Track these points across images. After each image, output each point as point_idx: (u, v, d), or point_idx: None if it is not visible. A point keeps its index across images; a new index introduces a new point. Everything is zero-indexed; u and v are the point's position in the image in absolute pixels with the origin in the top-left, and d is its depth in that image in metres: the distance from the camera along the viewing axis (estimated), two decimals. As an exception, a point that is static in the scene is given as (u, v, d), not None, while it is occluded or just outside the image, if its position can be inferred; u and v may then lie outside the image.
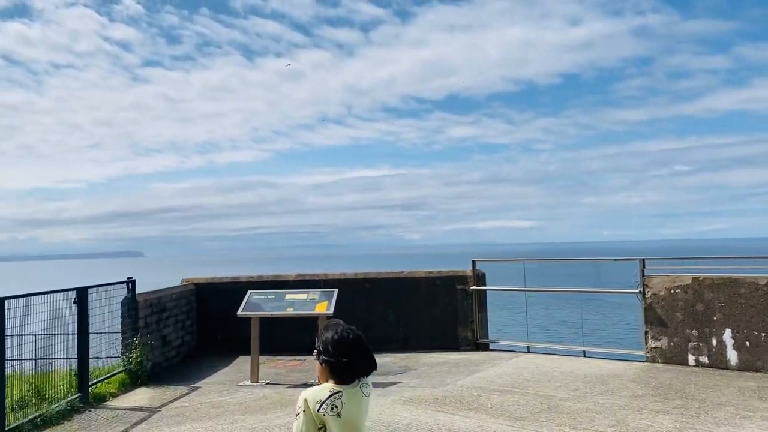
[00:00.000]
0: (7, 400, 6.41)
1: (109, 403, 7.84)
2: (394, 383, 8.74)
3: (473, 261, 11.62)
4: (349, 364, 3.00)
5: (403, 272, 11.95)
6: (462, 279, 11.57)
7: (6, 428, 6.18)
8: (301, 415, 2.90)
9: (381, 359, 9.84)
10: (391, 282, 11.77)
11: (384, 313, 11.65)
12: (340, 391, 2.95)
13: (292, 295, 9.03)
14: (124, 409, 7.53)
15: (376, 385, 8.54)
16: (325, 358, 2.98)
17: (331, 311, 8.94)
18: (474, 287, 11.42)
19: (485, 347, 11.36)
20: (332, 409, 2.92)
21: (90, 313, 8.22)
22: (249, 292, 9.55)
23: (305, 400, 2.92)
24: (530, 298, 12.54)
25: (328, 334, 3.03)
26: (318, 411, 2.90)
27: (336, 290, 9.39)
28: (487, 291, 11.69)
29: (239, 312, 9.17)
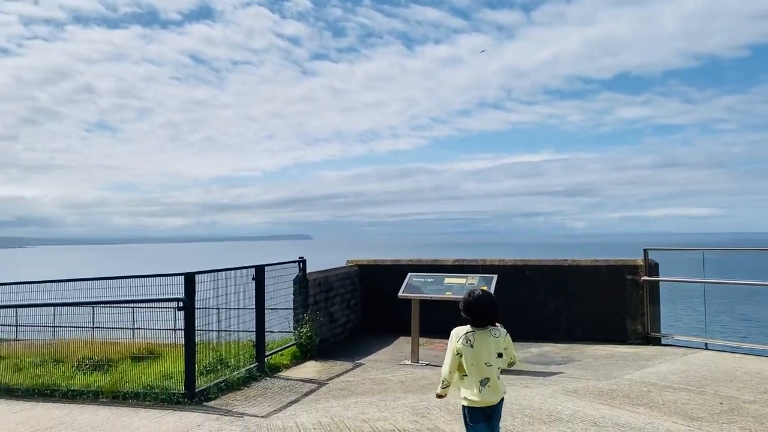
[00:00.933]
0: (197, 366, 7.17)
1: (282, 374, 8.48)
2: (556, 373, 8.49)
3: (645, 250, 10.89)
4: (473, 317, 4.41)
5: (566, 260, 11.53)
6: (632, 268, 10.90)
7: (196, 389, 6.93)
8: (449, 344, 4.43)
9: (542, 348, 9.63)
10: (554, 270, 11.42)
11: (545, 302, 11.33)
12: (473, 331, 4.38)
13: (451, 279, 9.10)
14: (295, 379, 8.10)
15: (536, 374, 8.37)
16: (462, 312, 4.45)
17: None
18: (646, 277, 10.71)
19: (656, 342, 10.64)
20: (466, 342, 4.34)
21: (266, 289, 8.93)
22: (409, 274, 9.78)
23: (452, 335, 4.44)
24: (709, 292, 11.51)
25: (463, 297, 4.51)
26: (457, 343, 4.37)
27: (495, 276, 9.30)
28: (660, 282, 10.92)
29: (400, 293, 9.42)
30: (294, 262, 9.67)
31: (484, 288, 5.96)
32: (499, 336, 4.39)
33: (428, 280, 9.47)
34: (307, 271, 10.11)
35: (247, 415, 6.40)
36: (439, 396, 4.62)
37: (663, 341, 10.66)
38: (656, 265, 10.94)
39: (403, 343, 10.75)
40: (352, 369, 8.77)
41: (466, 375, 4.37)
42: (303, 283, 9.69)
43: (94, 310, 9.09)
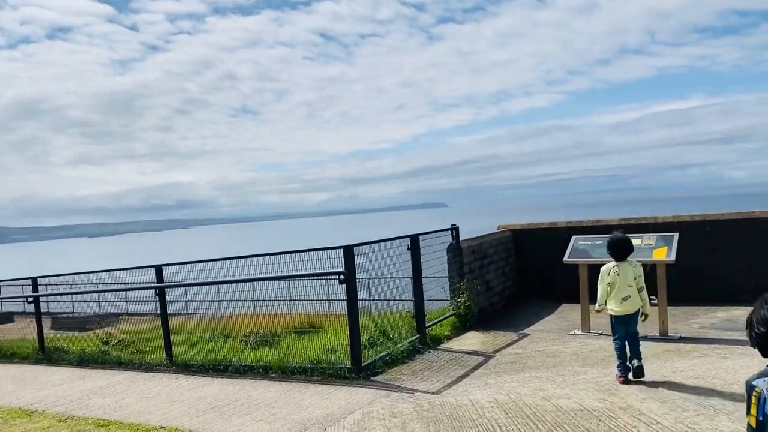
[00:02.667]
0: (361, 339, 7.02)
1: (444, 346, 8.14)
2: (757, 341, 7.40)
3: None
4: (612, 253, 6.30)
5: (754, 212, 10.10)
6: (839, 217, 9.31)
7: (362, 364, 6.76)
8: (602, 279, 6.25)
9: (729, 312, 8.46)
10: (739, 224, 10.04)
11: (730, 260, 10.02)
12: (617, 265, 6.18)
13: (638, 240, 8.20)
14: (460, 352, 7.73)
15: (730, 342, 7.35)
16: (607, 250, 6.39)
17: (673, 258, 7.91)
18: None
19: None
20: (610, 272, 6.19)
21: (421, 259, 8.61)
22: (574, 237, 9.00)
23: (602, 271, 6.29)
24: None
25: (607, 240, 6.50)
26: (609, 274, 6.20)
27: (676, 234, 8.28)
28: None
29: (565, 258, 8.70)
30: (447, 230, 9.26)
31: (672, 263, 7.29)
32: (635, 265, 6.26)
33: (596, 242, 8.64)
34: (460, 238, 9.68)
35: (417, 391, 6.12)
36: (597, 311, 6.51)
37: None
38: None
39: (567, 311, 10.02)
40: (518, 340, 8.24)
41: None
42: (457, 251, 9.26)
43: (253, 286, 9.30)
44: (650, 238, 8.30)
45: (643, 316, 6.21)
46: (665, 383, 5.82)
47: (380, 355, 7.09)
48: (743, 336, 7.80)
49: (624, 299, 6.12)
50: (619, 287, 6.13)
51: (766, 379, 2.49)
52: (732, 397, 5.34)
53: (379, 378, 6.68)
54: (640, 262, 6.52)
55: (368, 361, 6.85)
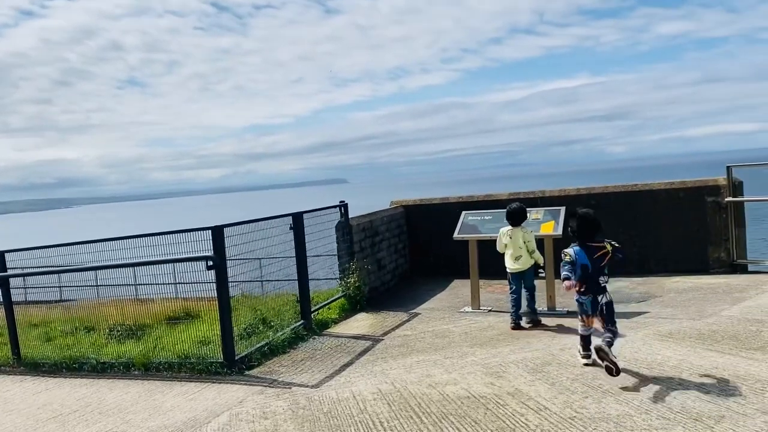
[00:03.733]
0: (235, 329, 6.36)
1: (331, 330, 7.65)
2: (639, 313, 7.45)
3: (728, 167, 9.58)
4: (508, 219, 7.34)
5: (636, 185, 10.30)
6: (713, 189, 9.63)
7: (236, 357, 6.12)
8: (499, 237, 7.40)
9: (614, 284, 8.45)
10: (623, 197, 10.21)
11: (615, 233, 10.11)
12: (511, 229, 7.30)
13: (536, 214, 8.01)
14: (347, 336, 7.26)
15: (618, 314, 7.34)
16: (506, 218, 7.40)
17: (560, 232, 7.80)
18: (730, 198, 9.44)
19: (743, 270, 9.47)
20: (504, 235, 7.34)
21: (306, 238, 8.05)
22: (464, 213, 8.73)
23: (501, 230, 7.44)
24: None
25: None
26: (503, 236, 7.33)
27: (563, 208, 8.18)
28: (746, 203, 9.64)
29: (455, 235, 8.42)
30: (334, 207, 8.72)
31: (560, 237, 7.52)
32: (525, 230, 7.34)
33: (485, 218, 8.42)
34: (350, 215, 9.19)
35: (295, 384, 5.57)
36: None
37: (750, 268, 9.50)
38: (741, 184, 9.65)
39: (458, 287, 9.82)
40: (408, 320, 7.89)
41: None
42: (346, 229, 8.76)
43: (134, 271, 8.35)
44: (538, 213, 8.17)
45: (541, 270, 7.53)
46: (554, 363, 5.62)
47: (257, 345, 6.47)
48: (627, 308, 7.86)
49: (516, 258, 7.24)
50: (512, 248, 7.27)
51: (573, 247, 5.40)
52: (625, 368, 5.20)
53: (254, 372, 6.07)
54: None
55: (243, 354, 6.22)
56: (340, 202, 8.85)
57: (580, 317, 5.54)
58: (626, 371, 5.27)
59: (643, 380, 5.02)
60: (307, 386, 5.50)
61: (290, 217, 7.48)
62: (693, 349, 5.76)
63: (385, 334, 7.25)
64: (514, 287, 7.28)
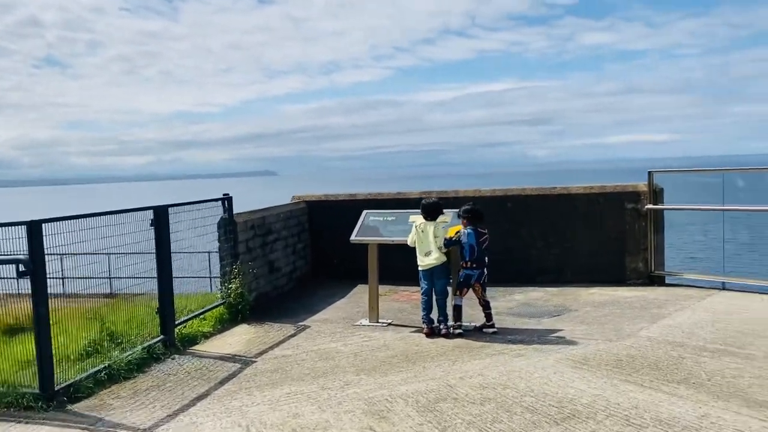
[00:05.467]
0: (66, 350, 5.08)
1: (198, 348, 6.44)
2: (553, 331, 6.67)
3: (650, 173, 9.01)
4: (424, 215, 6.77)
5: (555, 188, 9.61)
6: (633, 195, 9.04)
7: (57, 386, 4.83)
8: (412, 229, 6.82)
9: (528, 295, 7.59)
10: (540, 200, 9.49)
11: (530, 239, 9.47)
12: (424, 222, 6.73)
13: (416, 217, 7.07)
14: (214, 357, 6.09)
15: (528, 333, 6.53)
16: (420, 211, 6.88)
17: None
18: (650, 206, 8.87)
19: (661, 282, 8.93)
20: (417, 227, 6.76)
21: (179, 236, 6.84)
22: (365, 212, 7.73)
23: (413, 224, 6.85)
24: (712, 222, 9.79)
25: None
26: (415, 229, 6.77)
27: (474, 210, 7.31)
28: (666, 211, 9.12)
29: (352, 237, 7.40)
30: (215, 200, 7.52)
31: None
32: (438, 225, 6.73)
33: (388, 218, 7.45)
34: (241, 211, 8.04)
35: (123, 427, 4.37)
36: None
37: (668, 280, 8.98)
38: (662, 191, 9.11)
39: (362, 293, 8.80)
40: (294, 335, 6.81)
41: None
42: (229, 226, 7.57)
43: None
44: (446, 215, 7.25)
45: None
46: (449, 398, 4.69)
47: (91, 371, 5.19)
48: (539, 324, 7.07)
49: (426, 254, 6.64)
50: (422, 243, 6.67)
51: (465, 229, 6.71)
52: (523, 413, 4.32)
53: (80, 406, 4.80)
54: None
55: (68, 382, 4.94)
56: (224, 194, 7.66)
57: (458, 291, 6.70)
58: (534, 410, 4.40)
59: (554, 424, 4.14)
60: (138, 429, 4.32)
61: (151, 211, 6.22)
62: (610, 381, 4.97)
63: (261, 353, 6.13)
64: (424, 287, 6.71)
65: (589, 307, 7.78)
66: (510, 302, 8.26)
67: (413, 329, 6.88)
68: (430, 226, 6.70)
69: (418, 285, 6.89)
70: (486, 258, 6.73)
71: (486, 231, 6.78)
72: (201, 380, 5.36)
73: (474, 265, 6.60)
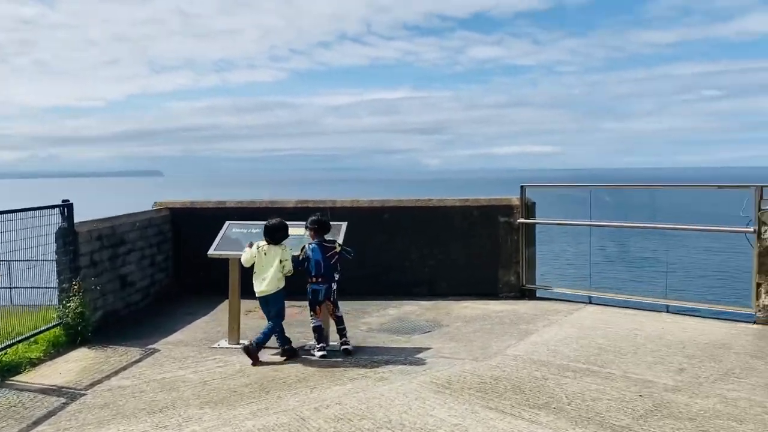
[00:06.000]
0: None
1: (20, 378, 5.57)
2: (420, 350, 6.42)
3: (522, 186, 9.07)
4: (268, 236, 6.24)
5: (431, 200, 9.46)
6: (506, 209, 9.06)
7: None
8: (250, 249, 6.29)
9: (402, 308, 7.24)
10: (417, 212, 9.31)
11: (406, 251, 9.25)
12: (267, 245, 6.23)
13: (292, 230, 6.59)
14: (37, 390, 5.27)
15: (396, 352, 6.23)
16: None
17: (337, 250, 6.53)
18: (522, 220, 8.92)
19: (532, 295, 9.00)
20: (260, 249, 6.23)
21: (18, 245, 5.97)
22: (227, 223, 7.15)
23: (256, 245, 6.28)
24: (583, 235, 10.07)
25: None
26: (255, 252, 6.23)
27: (344, 224, 6.96)
28: (538, 225, 9.22)
29: (210, 251, 6.80)
30: (51, 207, 6.64)
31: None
32: (278, 247, 6.26)
33: (252, 231, 6.91)
34: (84, 219, 7.19)
35: None
36: None
37: (539, 294, 9.07)
38: (533, 205, 9.20)
39: (225, 311, 8.18)
40: (138, 361, 6.10)
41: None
42: (69, 237, 6.72)
43: None
44: (298, 229, 6.81)
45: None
46: (300, 433, 4.25)
47: None
48: (408, 342, 6.80)
49: (263, 280, 6.19)
50: (262, 266, 6.22)
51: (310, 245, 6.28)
52: (376, 452, 3.97)
53: None
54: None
55: None
56: (63, 201, 6.79)
57: (311, 311, 6.33)
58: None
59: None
60: None
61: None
62: (471, 407, 4.74)
63: (94, 384, 5.39)
64: (266, 312, 6.35)
65: (460, 322, 7.63)
66: (383, 317, 7.97)
67: (274, 351, 6.38)
68: (274, 250, 6.22)
69: (288, 299, 6.43)
70: (335, 273, 6.32)
71: (335, 244, 6.37)
72: (12, 420, 4.57)
73: (320, 280, 6.24)
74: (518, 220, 8.96)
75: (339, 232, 6.74)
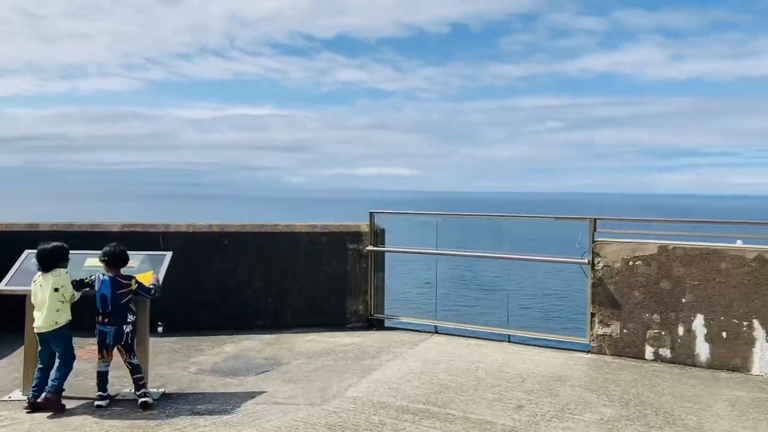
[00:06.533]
0: None
1: None
2: (253, 394, 5.82)
3: (371, 213, 8.81)
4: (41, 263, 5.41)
5: (277, 225, 8.91)
6: (356, 236, 8.74)
7: None
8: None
9: (240, 344, 6.43)
10: (261, 238, 8.71)
11: (249, 280, 8.61)
12: (42, 275, 5.43)
13: (94, 261, 5.74)
14: None
15: (224, 398, 5.56)
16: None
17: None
18: (371, 247, 8.64)
19: (380, 325, 8.74)
20: (35, 283, 5.45)
21: None
22: (26, 252, 6.13)
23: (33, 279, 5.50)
24: (433, 262, 10.02)
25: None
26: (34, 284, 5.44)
27: (169, 254, 6.21)
28: (387, 252, 8.98)
29: (2, 285, 5.77)
30: None
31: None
32: (54, 275, 5.44)
33: (58, 261, 5.95)
34: None
35: None
36: None
37: (387, 323, 8.81)
38: (383, 231, 8.98)
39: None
40: None
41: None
42: None
43: None
44: (136, 258, 6.03)
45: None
46: None
47: None
48: (241, 386, 6.04)
49: (39, 315, 5.43)
50: (38, 300, 5.45)
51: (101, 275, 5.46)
52: None
53: None
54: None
55: None
56: None
57: (99, 354, 5.54)
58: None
59: None
60: None
61: None
62: (298, 465, 4.23)
63: None
64: (42, 357, 5.48)
65: (302, 358, 7.12)
66: (218, 355, 7.26)
67: (82, 402, 5.48)
68: (48, 278, 5.45)
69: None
70: (128, 314, 5.55)
71: (131, 280, 5.59)
72: None
73: (107, 321, 5.47)
74: (367, 248, 8.67)
75: (161, 265, 5.98)
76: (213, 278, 8.53)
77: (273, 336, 8.10)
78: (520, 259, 8.56)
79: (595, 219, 7.49)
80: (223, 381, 6.32)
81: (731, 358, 6.72)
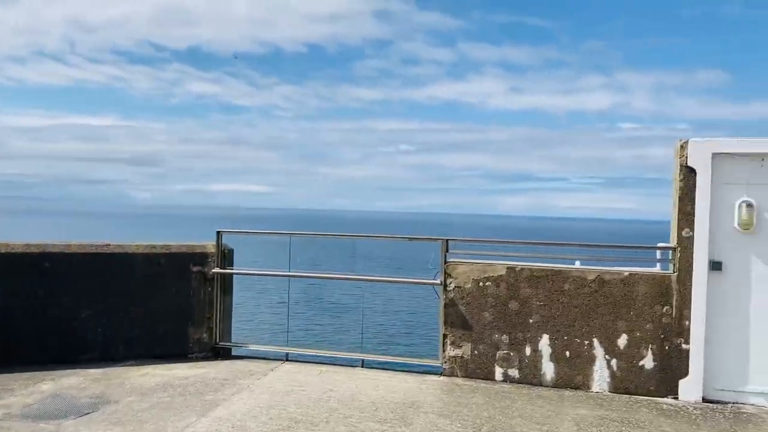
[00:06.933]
0: None
1: None
2: (71, 443, 5.01)
3: (218, 232, 8.19)
4: None
5: (109, 245, 7.98)
6: (200, 257, 8.07)
7: None
8: None
9: (61, 382, 5.11)
10: (90, 260, 7.75)
11: (75, 308, 7.61)
12: None
13: None
14: None
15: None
16: None
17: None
18: (218, 270, 8.02)
19: (226, 354, 8.11)
20: None
21: None
22: None
23: None
24: (284, 285, 9.56)
25: None
26: None
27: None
28: (236, 275, 8.40)
29: None
30: None
31: None
32: None
33: None
34: None
35: None
36: None
37: (234, 352, 8.21)
38: (231, 252, 8.38)
39: None
40: None
41: None
42: None
43: None
44: None
45: None
46: None
47: None
48: (60, 428, 5.23)
49: None
50: None
51: None
52: None
53: None
54: None
55: None
56: None
57: None
58: None
59: None
60: None
61: None
62: None
63: None
64: None
65: (134, 395, 6.34)
66: (31, 396, 6.26)
67: None
68: None
69: None
70: None
71: None
72: None
73: None
74: (213, 270, 8.03)
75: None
76: (31, 307, 7.44)
77: (101, 371, 7.19)
78: (374, 280, 8.37)
79: (447, 240, 7.49)
80: (34, 427, 5.41)
81: (574, 376, 6.96)
